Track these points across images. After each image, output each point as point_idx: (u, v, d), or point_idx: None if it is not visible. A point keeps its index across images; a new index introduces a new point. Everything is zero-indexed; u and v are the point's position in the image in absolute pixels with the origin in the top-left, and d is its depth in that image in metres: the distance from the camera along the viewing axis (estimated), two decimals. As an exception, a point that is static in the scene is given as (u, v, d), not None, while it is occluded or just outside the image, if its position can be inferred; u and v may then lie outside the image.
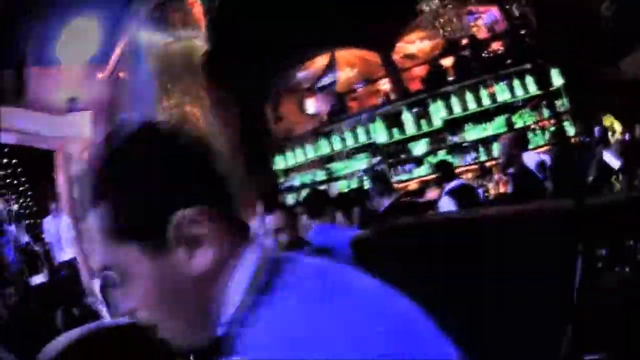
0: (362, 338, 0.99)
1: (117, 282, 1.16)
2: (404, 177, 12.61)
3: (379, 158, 13.00)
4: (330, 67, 14.58)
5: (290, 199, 13.36)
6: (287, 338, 0.98)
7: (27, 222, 12.13)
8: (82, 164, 13.19)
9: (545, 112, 11.43)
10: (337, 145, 13.58)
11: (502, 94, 11.86)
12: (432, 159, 12.11)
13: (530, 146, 9.72)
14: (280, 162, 14.41)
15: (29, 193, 14.84)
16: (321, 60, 14.67)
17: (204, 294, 1.10)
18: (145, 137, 1.15)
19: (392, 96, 13.58)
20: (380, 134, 12.89)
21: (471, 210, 5.43)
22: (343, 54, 14.54)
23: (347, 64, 14.87)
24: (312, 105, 15.06)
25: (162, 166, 1.08)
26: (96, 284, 8.13)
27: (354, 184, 12.70)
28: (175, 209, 1.04)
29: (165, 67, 12.01)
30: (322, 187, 12.50)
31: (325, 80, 14.74)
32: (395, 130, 12.83)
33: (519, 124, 11.49)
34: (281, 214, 5.02)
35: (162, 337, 1.17)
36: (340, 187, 12.81)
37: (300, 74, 15.16)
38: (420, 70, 13.57)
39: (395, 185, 10.05)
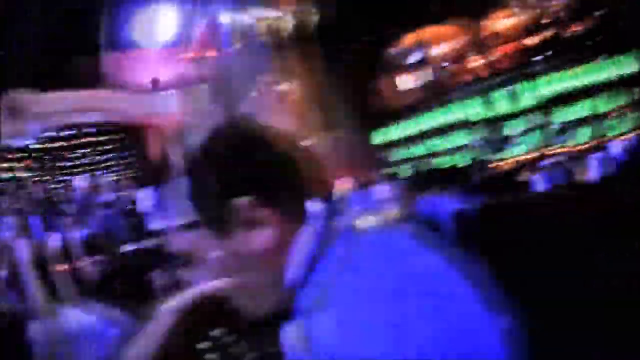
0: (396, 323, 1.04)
1: (192, 261, 1.34)
2: (499, 155, 12.64)
3: (476, 134, 12.96)
4: (423, 43, 14.62)
5: (394, 172, 13.49)
6: (338, 312, 1.09)
7: (122, 193, 12.36)
8: (171, 140, 13.33)
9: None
10: (435, 121, 13.59)
11: (592, 74, 11.66)
12: (527, 138, 11.96)
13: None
14: (382, 136, 14.50)
15: (123, 166, 15.75)
16: (415, 37, 14.76)
17: (267, 268, 1.22)
18: (224, 134, 1.32)
19: (484, 73, 13.52)
20: (475, 111, 12.87)
21: (573, 189, 5.41)
22: (436, 30, 14.51)
23: (440, 40, 14.87)
24: (408, 81, 15.11)
25: (234, 160, 1.23)
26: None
27: (454, 159, 12.70)
28: (236, 197, 1.17)
29: (271, 43, 12.17)
30: (425, 161, 12.51)
31: (418, 56, 14.78)
32: (488, 108, 12.78)
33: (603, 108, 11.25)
34: (387, 186, 5.00)
35: (235, 306, 1.34)
36: (440, 162, 12.82)
37: (396, 50, 15.24)
38: (509, 48, 13.49)
39: (492, 164, 10.16)
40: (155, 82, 13.45)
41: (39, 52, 13.68)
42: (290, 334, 1.17)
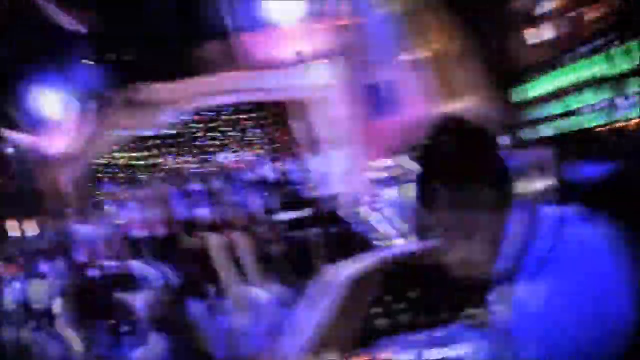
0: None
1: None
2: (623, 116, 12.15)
3: (604, 94, 12.51)
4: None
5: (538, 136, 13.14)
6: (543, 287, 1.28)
7: (277, 165, 12.69)
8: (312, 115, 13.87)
9: None
10: (568, 78, 13.17)
11: None
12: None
13: None
14: (520, 96, 14.23)
15: (276, 139, 16.03)
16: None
17: (492, 232, 1.41)
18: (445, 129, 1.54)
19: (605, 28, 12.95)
20: (602, 68, 12.41)
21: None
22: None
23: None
24: (538, 35, 14.70)
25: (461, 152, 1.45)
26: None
27: (589, 120, 12.31)
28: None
29: (405, 9, 11.98)
30: (565, 123, 12.21)
31: (547, 8, 14.37)
32: (611, 66, 12.27)
33: None
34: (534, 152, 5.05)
35: (453, 263, 1.49)
36: (577, 122, 12.44)
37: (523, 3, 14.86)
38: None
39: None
40: (294, 56, 13.33)
41: (166, 42, 14.15)
42: (498, 302, 1.36)
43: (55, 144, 16.66)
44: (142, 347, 4.43)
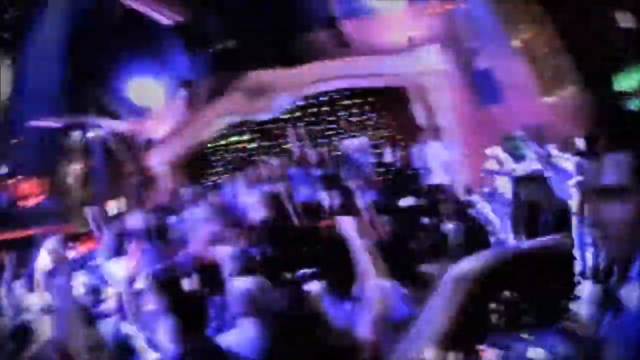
0: None
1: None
2: None
3: None
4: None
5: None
6: None
7: (391, 151, 12.73)
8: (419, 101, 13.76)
9: None
10: None
11: None
12: None
13: None
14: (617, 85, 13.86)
15: (389, 125, 16.07)
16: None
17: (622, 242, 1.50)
18: None
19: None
20: None
21: None
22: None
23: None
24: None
25: None
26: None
27: None
28: None
29: None
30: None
31: None
32: None
33: None
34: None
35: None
36: None
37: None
38: None
39: None
40: (405, 41, 13.43)
41: (274, 30, 14.33)
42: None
43: (154, 129, 17.56)
44: (232, 331, 4.49)
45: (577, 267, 3.68)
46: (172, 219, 10.12)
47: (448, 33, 13.06)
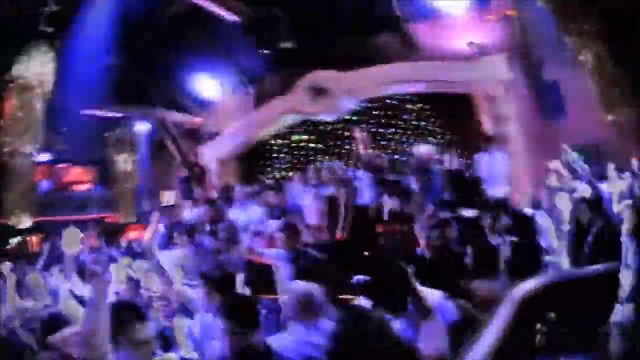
0: None
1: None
2: None
3: None
4: None
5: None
6: None
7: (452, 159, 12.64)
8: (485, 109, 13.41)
9: None
10: None
11: None
12: None
13: None
14: None
15: (451, 133, 16.01)
16: None
17: None
18: None
19: None
20: None
21: None
22: None
23: None
24: None
25: None
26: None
27: None
28: None
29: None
30: None
31: None
32: None
33: None
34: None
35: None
36: None
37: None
38: None
39: None
40: (467, 48, 13.36)
41: (339, 31, 14.28)
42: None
43: (215, 123, 17.78)
44: (281, 333, 4.57)
45: (624, 292, 3.73)
46: (226, 215, 10.13)
47: (511, 41, 12.96)
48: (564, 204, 7.69)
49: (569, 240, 6.79)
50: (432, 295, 4.05)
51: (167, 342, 5.43)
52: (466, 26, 13.53)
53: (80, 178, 26.90)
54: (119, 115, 18.98)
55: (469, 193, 10.63)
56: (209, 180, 17.60)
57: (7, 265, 7.62)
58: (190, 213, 12.14)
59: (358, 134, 12.10)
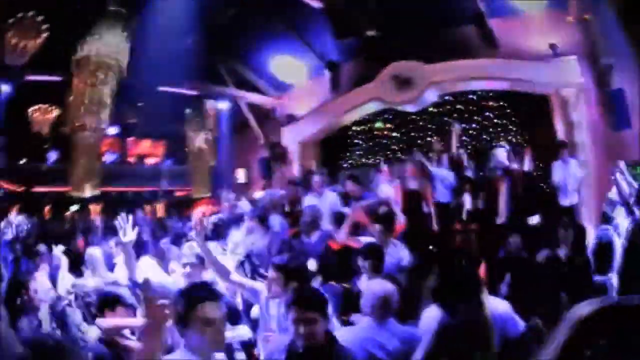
0: None
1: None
2: None
3: None
4: None
5: None
6: None
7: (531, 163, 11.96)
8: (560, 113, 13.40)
9: None
10: None
11: None
12: None
13: None
14: None
15: (522, 135, 15.96)
16: None
17: None
18: None
19: None
20: None
21: None
22: None
23: None
24: None
25: None
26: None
27: None
28: None
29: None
30: None
31: None
32: None
33: None
34: None
35: None
36: None
37: None
38: None
39: None
40: (552, 47, 13.38)
41: (422, 22, 14.35)
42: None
43: (294, 105, 18.24)
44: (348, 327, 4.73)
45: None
46: (305, 199, 9.99)
47: (584, 46, 12.96)
48: (621, 220, 7.45)
49: (622, 258, 6.57)
50: (497, 305, 4.13)
51: (234, 317, 5.35)
52: (544, 26, 13.66)
53: (150, 151, 28.11)
54: (196, 93, 19.55)
55: (539, 199, 10.49)
56: (289, 161, 18.00)
57: (59, 248, 7.71)
58: (264, 194, 12.09)
59: (455, 130, 12.31)
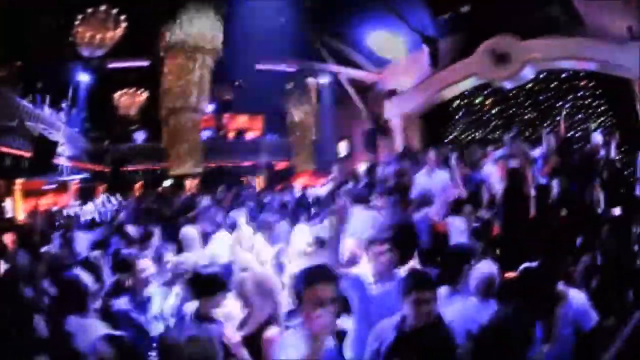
0: None
1: None
2: None
3: None
4: None
5: None
6: None
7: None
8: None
9: None
10: None
11: None
12: None
13: None
14: None
15: (609, 117, 16.04)
16: None
17: None
18: None
19: None
20: None
21: None
22: None
23: None
24: None
25: None
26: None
27: None
28: None
29: None
30: None
31: None
32: None
33: None
34: None
35: None
36: None
37: None
38: None
39: None
40: (630, 29, 13.11)
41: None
42: None
43: (393, 80, 18.55)
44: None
45: None
46: (417, 177, 9.87)
47: None
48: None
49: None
50: (575, 297, 4.29)
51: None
52: (622, 7, 13.44)
53: (248, 126, 28.81)
54: (295, 69, 20.09)
55: (620, 189, 9.88)
56: (394, 135, 18.32)
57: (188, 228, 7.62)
58: (379, 169, 11.91)
59: (564, 112, 12.08)
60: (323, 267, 3.41)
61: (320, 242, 5.62)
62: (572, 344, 4.10)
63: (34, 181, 16.83)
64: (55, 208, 17.53)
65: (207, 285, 4.34)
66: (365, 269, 4.92)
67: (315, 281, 3.19)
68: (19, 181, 14.58)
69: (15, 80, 15.24)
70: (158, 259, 5.95)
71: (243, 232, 6.77)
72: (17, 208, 14.70)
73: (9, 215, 15.13)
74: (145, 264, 5.31)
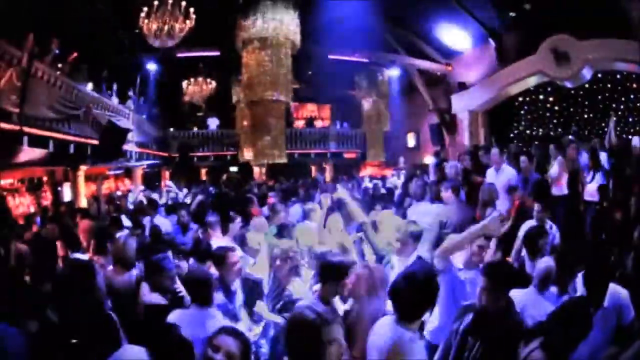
0: None
1: None
2: None
3: None
4: None
5: None
6: None
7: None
8: None
9: None
10: None
11: None
12: None
13: None
14: None
15: None
16: None
17: None
18: None
19: None
20: None
21: None
22: None
23: None
24: None
25: None
26: None
27: None
28: None
29: None
30: None
31: None
32: None
33: None
34: None
35: None
36: None
37: None
38: None
39: None
40: None
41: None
42: None
43: (462, 73, 18.92)
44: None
45: None
46: (487, 173, 10.05)
47: None
48: None
49: None
50: (618, 291, 4.52)
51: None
52: None
53: (316, 115, 29.25)
54: (367, 60, 20.53)
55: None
56: (460, 130, 18.83)
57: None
58: (448, 165, 11.58)
59: (614, 119, 12.20)
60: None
61: (415, 237, 5.51)
62: (612, 335, 4.33)
63: (96, 167, 17.30)
64: (118, 193, 18.60)
65: (334, 271, 4.40)
66: (455, 257, 5.02)
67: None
68: (83, 167, 14.93)
69: (81, 68, 15.71)
70: (240, 244, 6.17)
71: (335, 218, 7.02)
72: (80, 193, 14.91)
73: (66, 199, 15.64)
74: (236, 257, 5.37)
